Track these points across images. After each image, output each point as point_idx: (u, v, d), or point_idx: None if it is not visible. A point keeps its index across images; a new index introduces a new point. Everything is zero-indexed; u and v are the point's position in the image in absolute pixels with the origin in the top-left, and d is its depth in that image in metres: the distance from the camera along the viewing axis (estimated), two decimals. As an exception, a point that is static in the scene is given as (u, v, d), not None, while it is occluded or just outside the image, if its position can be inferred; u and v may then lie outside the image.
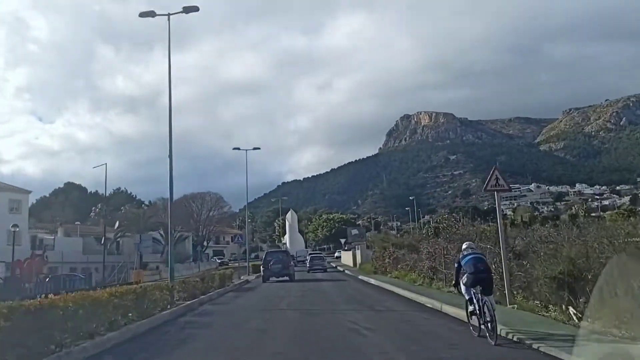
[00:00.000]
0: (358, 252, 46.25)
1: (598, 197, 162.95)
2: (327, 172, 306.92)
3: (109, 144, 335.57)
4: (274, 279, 30.72)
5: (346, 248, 62.88)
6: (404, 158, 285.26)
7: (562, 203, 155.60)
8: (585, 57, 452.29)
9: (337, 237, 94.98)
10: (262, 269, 31.78)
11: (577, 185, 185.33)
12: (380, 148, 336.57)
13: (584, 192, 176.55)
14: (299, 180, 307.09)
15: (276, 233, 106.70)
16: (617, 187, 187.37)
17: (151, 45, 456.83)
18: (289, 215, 79.22)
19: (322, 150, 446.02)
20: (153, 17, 20.62)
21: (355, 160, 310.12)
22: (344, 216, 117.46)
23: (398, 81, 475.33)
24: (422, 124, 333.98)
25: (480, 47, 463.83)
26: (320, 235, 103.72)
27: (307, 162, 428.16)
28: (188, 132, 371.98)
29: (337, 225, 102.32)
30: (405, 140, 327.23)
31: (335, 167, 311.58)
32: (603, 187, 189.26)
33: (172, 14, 20.60)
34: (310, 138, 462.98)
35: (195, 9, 20.66)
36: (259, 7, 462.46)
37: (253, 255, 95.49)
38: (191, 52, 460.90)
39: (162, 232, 56.59)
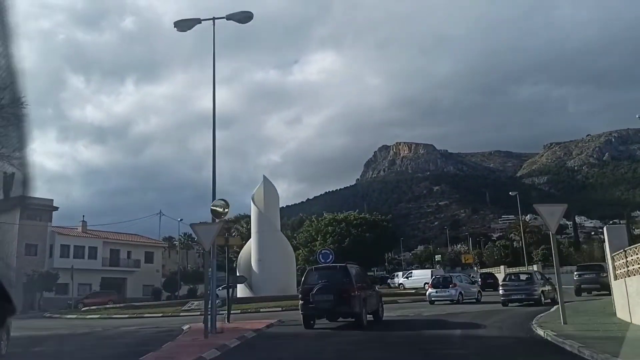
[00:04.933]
0: None
1: (600, 229, 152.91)
2: (302, 202, 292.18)
3: (76, 174, 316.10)
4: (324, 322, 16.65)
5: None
6: (383, 188, 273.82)
7: (563, 236, 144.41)
8: (552, 98, 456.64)
9: (360, 250, 58.47)
10: (300, 302, 16.83)
11: (576, 217, 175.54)
12: (358, 179, 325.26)
13: (585, 225, 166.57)
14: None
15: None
16: (611, 222, 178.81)
17: (122, 76, 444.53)
18: (258, 191, 37.84)
19: (296, 184, 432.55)
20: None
21: (333, 191, 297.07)
22: (367, 216, 70.85)
23: (368, 117, 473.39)
24: (402, 154, 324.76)
25: (447, 86, 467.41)
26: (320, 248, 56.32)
27: (280, 196, 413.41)
28: (158, 163, 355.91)
29: (354, 232, 62.49)
30: (384, 171, 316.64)
31: (311, 198, 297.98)
32: (595, 221, 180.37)
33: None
34: (283, 172, 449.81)
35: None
36: (232, 41, 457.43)
37: (186, 290, 57.27)
38: (163, 84, 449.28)
39: None
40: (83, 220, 51.15)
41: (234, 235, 63.40)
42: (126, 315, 29.30)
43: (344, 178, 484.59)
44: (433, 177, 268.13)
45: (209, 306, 14.74)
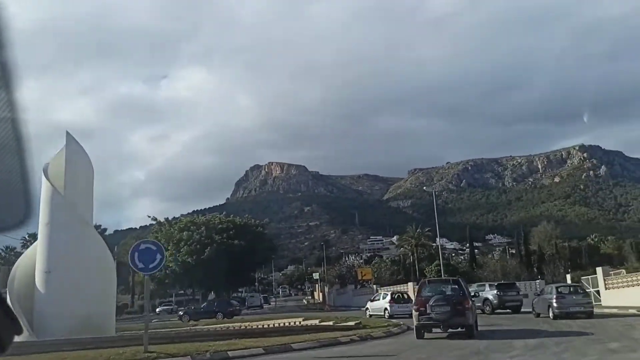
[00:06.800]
0: None
1: (461, 251, 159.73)
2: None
3: None
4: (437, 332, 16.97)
5: None
6: (254, 208, 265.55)
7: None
8: (409, 129, 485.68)
9: (227, 261, 49.43)
10: (414, 312, 16.94)
11: (437, 239, 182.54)
12: (228, 198, 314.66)
13: (446, 246, 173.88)
14: (135, 228, 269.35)
15: None
16: (467, 244, 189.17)
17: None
18: (56, 159, 19.83)
19: (160, 202, 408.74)
20: None
21: (201, 209, 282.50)
22: (237, 219, 61.61)
23: (240, 137, 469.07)
24: (274, 174, 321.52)
25: (314, 112, 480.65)
26: (174, 266, 48.82)
27: (145, 214, 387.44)
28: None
29: (217, 239, 52.29)
30: (256, 190, 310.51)
31: (177, 216, 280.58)
32: (455, 242, 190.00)
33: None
34: (147, 190, 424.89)
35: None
36: (94, 50, 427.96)
37: None
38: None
39: None
40: None
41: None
42: None
43: (214, 197, 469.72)
44: (304, 197, 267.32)
45: None
